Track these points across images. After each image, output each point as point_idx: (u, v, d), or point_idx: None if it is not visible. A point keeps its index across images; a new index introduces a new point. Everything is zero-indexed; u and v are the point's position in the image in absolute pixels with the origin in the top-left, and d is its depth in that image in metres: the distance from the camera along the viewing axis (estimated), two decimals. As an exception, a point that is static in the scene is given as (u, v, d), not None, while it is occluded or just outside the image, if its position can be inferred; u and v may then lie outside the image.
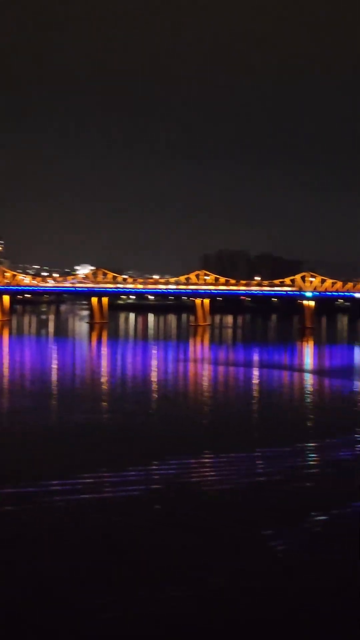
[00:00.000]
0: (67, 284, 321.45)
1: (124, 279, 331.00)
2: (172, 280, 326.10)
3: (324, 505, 51.76)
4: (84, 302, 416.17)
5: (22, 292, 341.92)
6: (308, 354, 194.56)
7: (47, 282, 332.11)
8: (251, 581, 38.94)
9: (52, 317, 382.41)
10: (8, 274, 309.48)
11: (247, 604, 36.33)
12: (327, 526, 47.72)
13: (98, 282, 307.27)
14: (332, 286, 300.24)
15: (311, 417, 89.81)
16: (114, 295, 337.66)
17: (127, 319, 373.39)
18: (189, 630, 33.79)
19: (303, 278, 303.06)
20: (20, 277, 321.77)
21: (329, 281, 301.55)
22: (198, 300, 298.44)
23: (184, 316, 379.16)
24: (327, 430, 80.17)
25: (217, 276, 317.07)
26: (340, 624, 34.50)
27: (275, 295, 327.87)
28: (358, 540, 45.04)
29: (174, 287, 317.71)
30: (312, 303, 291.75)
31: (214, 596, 37.02)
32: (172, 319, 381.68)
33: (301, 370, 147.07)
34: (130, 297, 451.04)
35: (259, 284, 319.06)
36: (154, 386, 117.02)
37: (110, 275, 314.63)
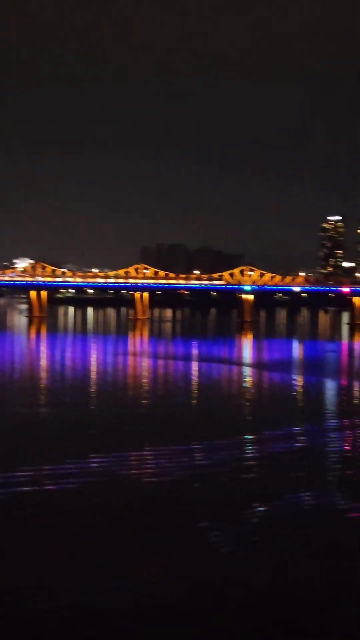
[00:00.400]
0: (6, 278, 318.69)
1: (63, 273, 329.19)
2: (112, 274, 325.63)
3: (263, 497, 52.20)
4: (23, 296, 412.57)
5: None
6: (247, 348, 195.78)
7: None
8: (189, 572, 39.14)
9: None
10: None
11: (184, 595, 36.51)
12: (266, 518, 48.13)
13: (37, 276, 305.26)
14: (271, 280, 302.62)
15: (250, 410, 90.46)
16: (53, 288, 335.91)
17: (66, 312, 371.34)
18: (124, 622, 33.84)
19: (242, 272, 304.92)
20: None
21: (267, 275, 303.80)
22: (137, 294, 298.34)
23: (123, 310, 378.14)
24: (266, 423, 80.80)
25: (157, 270, 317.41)
26: (278, 614, 34.88)
27: (214, 289, 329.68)
28: (295, 531, 45.58)
29: (113, 280, 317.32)
30: (251, 297, 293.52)
31: (151, 588, 37.10)
32: (111, 312, 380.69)
33: (240, 363, 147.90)
34: (70, 290, 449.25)
35: (198, 278, 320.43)
36: (94, 380, 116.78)
37: (49, 268, 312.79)
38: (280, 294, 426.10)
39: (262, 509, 49.68)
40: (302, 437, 73.77)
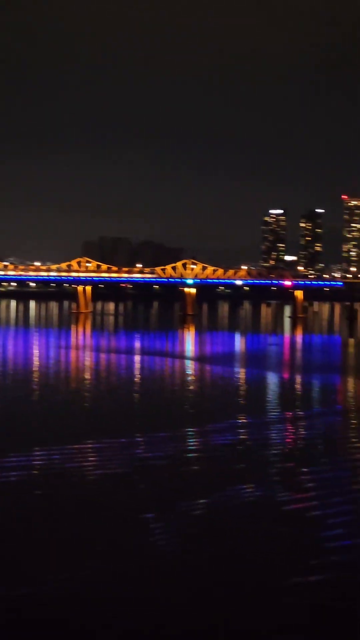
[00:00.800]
0: None
1: (5, 266, 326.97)
2: (54, 267, 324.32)
3: (205, 489, 52.41)
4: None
5: None
6: (189, 341, 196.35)
7: None
8: (129, 563, 39.22)
9: None
10: None
11: (123, 586, 36.58)
12: (207, 509, 48.37)
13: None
14: (213, 273, 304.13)
15: (192, 403, 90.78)
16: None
17: (8, 306, 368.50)
18: (62, 615, 33.76)
19: (184, 265, 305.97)
20: None
21: (210, 268, 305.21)
22: (80, 288, 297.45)
23: (65, 303, 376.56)
24: (209, 415, 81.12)
25: (99, 263, 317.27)
26: (215, 603, 35.12)
27: (156, 283, 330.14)
28: (234, 523, 45.95)
29: (55, 274, 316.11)
30: (193, 290, 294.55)
31: (89, 580, 37.05)
32: (53, 306, 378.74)
33: (182, 357, 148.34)
34: (12, 284, 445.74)
35: (141, 271, 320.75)
36: (35, 373, 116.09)
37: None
38: (222, 288, 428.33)
39: (204, 501, 49.90)
40: (244, 430, 74.21)
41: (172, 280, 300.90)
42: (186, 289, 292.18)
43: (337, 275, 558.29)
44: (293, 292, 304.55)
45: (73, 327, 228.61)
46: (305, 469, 58.64)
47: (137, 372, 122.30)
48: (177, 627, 32.98)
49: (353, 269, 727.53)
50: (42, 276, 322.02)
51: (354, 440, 70.73)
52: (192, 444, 68.07)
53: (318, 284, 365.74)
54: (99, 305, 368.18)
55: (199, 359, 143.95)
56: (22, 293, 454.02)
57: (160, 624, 33.17)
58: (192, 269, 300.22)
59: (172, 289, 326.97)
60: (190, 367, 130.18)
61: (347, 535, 43.92)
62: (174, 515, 46.82)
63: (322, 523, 45.84)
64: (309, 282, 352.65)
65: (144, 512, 47.21)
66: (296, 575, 37.90)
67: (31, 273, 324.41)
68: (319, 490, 52.99)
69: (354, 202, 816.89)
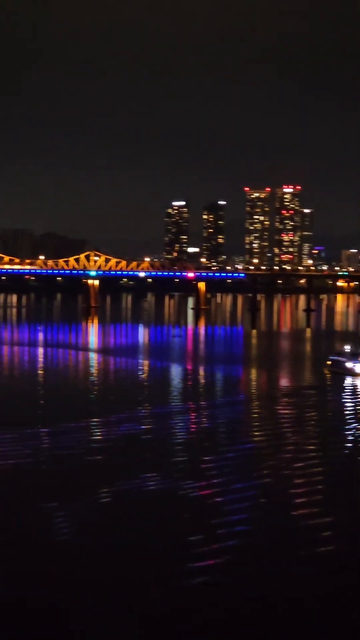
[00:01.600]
0: None
1: None
2: None
3: (109, 478, 52.93)
4: None
5: None
6: (93, 333, 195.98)
7: None
8: (33, 551, 39.61)
9: None
10: None
11: (26, 573, 36.96)
12: (110, 498, 48.89)
13: None
14: (117, 265, 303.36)
15: (97, 394, 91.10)
16: None
17: None
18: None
19: (87, 257, 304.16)
20: None
21: (113, 260, 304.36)
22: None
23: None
24: (113, 406, 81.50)
25: (1, 255, 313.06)
26: (115, 588, 35.75)
27: (59, 275, 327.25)
28: (137, 511, 46.66)
29: None
30: (96, 282, 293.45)
31: None
32: None
33: (86, 349, 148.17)
34: None
35: (44, 263, 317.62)
36: None
37: None
38: (126, 280, 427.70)
39: (108, 490, 50.38)
40: (149, 420, 74.93)
41: (75, 272, 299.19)
42: (89, 281, 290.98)
43: (239, 267, 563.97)
44: (196, 284, 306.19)
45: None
46: (207, 457, 59.71)
47: (40, 364, 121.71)
48: (75, 612, 33.53)
49: (255, 260, 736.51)
50: None
51: (255, 428, 72.18)
52: (96, 434, 68.46)
53: (221, 275, 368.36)
54: (1, 297, 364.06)
55: (103, 351, 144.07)
56: None
57: (63, 609, 33.67)
58: (95, 261, 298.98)
59: (76, 281, 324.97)
60: (94, 359, 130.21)
61: (244, 520, 45.19)
62: (78, 504, 47.23)
63: (222, 509, 47.00)
64: (212, 274, 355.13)
65: (47, 501, 47.48)
66: (195, 560, 38.89)
67: None
68: (221, 477, 54.17)
69: (255, 194, 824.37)
